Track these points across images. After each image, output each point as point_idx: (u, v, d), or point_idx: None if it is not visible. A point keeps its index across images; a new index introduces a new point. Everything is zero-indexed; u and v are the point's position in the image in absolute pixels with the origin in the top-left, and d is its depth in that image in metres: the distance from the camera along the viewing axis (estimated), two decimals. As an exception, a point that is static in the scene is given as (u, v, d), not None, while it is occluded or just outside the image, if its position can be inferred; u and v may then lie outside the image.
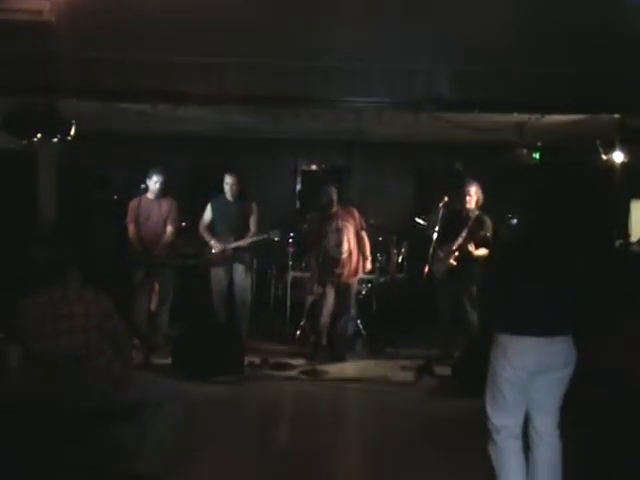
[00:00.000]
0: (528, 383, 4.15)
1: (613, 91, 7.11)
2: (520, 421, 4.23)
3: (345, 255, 8.48)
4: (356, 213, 8.66)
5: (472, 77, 7.16)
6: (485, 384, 4.32)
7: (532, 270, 4.19)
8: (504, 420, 4.21)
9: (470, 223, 8.09)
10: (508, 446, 4.22)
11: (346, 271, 8.53)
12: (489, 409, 4.28)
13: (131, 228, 8.43)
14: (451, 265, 8.11)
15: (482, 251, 7.89)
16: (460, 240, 8.05)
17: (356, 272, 8.66)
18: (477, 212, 8.18)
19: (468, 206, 8.18)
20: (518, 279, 4.21)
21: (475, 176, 8.67)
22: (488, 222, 8.12)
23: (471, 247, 7.97)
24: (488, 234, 8.02)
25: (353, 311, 8.87)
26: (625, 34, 5.95)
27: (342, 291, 8.62)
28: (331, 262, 8.47)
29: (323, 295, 8.58)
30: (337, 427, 6.47)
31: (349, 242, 8.49)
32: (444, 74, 7.17)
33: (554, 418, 4.26)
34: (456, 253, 8.06)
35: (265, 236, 8.61)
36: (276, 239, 8.67)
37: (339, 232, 8.47)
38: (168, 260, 8.45)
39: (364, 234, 8.67)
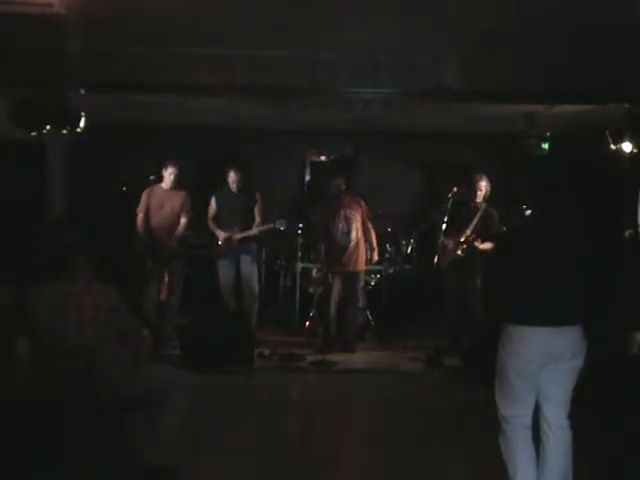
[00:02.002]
0: (536, 373, 4.14)
1: (622, 81, 7.09)
2: (529, 411, 4.23)
3: (353, 244, 8.51)
4: (362, 203, 8.68)
5: (480, 67, 7.15)
6: (494, 374, 4.34)
7: (539, 260, 4.17)
8: (513, 410, 4.22)
9: (478, 216, 8.08)
10: (517, 435, 4.22)
11: (353, 260, 8.55)
12: (498, 399, 4.28)
13: (140, 217, 8.41)
14: (458, 257, 8.11)
15: (487, 245, 7.89)
16: (468, 232, 8.05)
17: (363, 261, 8.68)
18: (484, 205, 8.16)
19: (478, 200, 8.16)
20: (525, 269, 4.19)
21: (483, 167, 8.66)
22: (496, 215, 8.11)
23: (477, 242, 7.97)
24: (496, 227, 8.02)
25: (361, 301, 8.89)
26: (634, 23, 5.91)
27: (349, 281, 8.64)
28: (339, 251, 8.50)
29: (331, 285, 8.60)
30: (346, 418, 6.48)
31: (357, 231, 8.53)
32: (452, 64, 7.16)
33: (564, 409, 4.24)
34: (464, 245, 8.06)
35: (271, 226, 8.62)
36: (282, 228, 8.68)
37: (347, 221, 8.50)
38: (177, 251, 8.45)
39: (370, 224, 8.68)
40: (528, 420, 4.23)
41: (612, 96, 7.40)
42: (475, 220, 8.07)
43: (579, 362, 4.18)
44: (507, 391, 4.23)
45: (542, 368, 4.13)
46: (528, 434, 4.22)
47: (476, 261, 7.90)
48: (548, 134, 9.98)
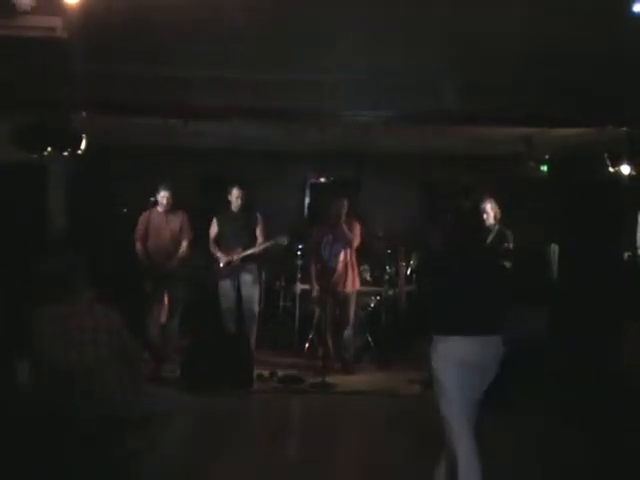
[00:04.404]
0: (466, 380, 4.41)
1: (621, 103, 7.13)
2: (468, 409, 4.49)
3: (341, 266, 8.55)
4: (358, 225, 8.71)
5: (479, 90, 7.19)
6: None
7: (458, 276, 4.49)
8: (452, 412, 4.52)
9: (491, 237, 8.07)
10: (458, 425, 4.48)
11: (342, 282, 8.59)
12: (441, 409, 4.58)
13: (139, 245, 8.36)
14: None
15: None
16: None
17: (356, 284, 8.75)
18: (497, 226, 8.14)
19: (488, 222, 8.13)
20: (446, 285, 4.52)
21: (483, 189, 8.69)
22: (510, 235, 8.09)
23: None
24: (510, 246, 8.01)
25: (358, 323, 8.89)
26: (632, 46, 5.96)
27: (341, 302, 8.67)
28: (327, 273, 8.54)
29: (324, 307, 8.62)
30: (346, 440, 6.47)
31: (347, 253, 8.57)
32: (451, 87, 7.20)
33: (476, 411, 4.53)
34: None
35: (272, 242, 8.62)
36: (284, 243, 8.68)
37: (336, 244, 8.55)
38: (177, 272, 8.44)
39: (359, 242, 8.69)
40: (469, 412, 4.50)
41: (611, 119, 7.45)
42: (490, 242, 8.05)
43: (496, 368, 4.48)
44: (447, 399, 4.52)
45: (468, 375, 4.41)
46: (469, 425, 4.49)
47: None
48: (547, 157, 10.01)
